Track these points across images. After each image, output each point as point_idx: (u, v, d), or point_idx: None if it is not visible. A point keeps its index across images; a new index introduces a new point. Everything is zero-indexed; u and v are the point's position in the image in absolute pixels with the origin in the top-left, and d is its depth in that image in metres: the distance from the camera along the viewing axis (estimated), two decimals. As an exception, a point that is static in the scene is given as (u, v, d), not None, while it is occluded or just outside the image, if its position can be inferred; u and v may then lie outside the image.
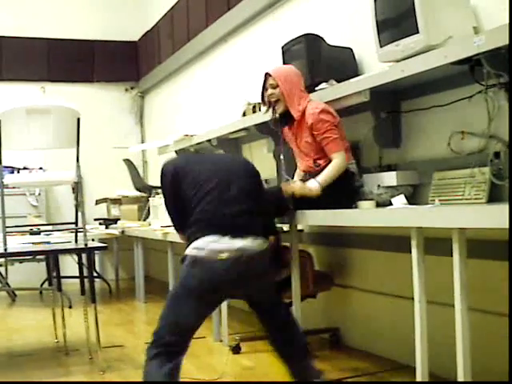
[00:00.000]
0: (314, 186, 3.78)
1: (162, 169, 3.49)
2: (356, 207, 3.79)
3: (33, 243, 4.84)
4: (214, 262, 3.10)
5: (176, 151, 7.14)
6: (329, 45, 4.45)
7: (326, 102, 4.01)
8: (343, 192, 3.83)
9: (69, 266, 6.74)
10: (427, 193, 3.62)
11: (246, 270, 3.16)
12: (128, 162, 8.25)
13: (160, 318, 3.29)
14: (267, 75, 4.03)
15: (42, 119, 4.30)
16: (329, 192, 3.76)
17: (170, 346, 3.16)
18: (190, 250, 3.17)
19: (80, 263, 4.98)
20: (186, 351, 3.22)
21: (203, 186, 3.28)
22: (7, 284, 7.53)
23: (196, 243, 3.15)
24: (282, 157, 4.23)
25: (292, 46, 4.60)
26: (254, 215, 3.28)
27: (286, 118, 4.02)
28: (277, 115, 4.03)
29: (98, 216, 8.48)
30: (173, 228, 3.67)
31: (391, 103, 4.04)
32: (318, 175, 3.83)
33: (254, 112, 5.21)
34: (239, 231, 3.16)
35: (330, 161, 3.84)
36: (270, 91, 4.00)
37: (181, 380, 3.17)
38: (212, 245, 3.11)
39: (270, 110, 4.07)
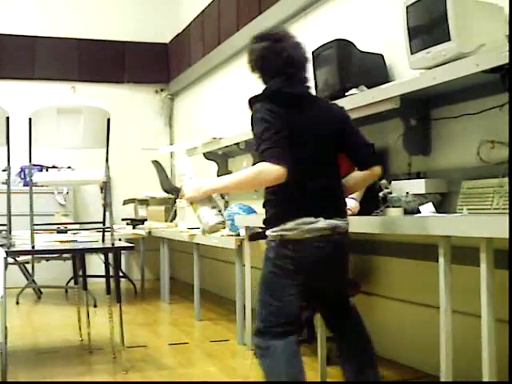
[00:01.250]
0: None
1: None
2: (382, 211, 3.77)
3: (60, 241, 4.87)
4: (306, 242, 2.95)
5: (204, 154, 7.16)
6: (360, 50, 4.44)
7: (356, 108, 4.00)
8: (367, 197, 3.82)
9: (95, 265, 6.80)
10: (455, 201, 3.60)
11: (335, 252, 3.06)
12: (156, 163, 8.29)
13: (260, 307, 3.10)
14: None
15: (73, 119, 4.33)
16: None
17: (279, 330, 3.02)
18: (280, 231, 2.99)
19: (106, 262, 5.00)
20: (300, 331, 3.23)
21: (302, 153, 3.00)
22: (33, 281, 7.58)
23: (288, 224, 2.96)
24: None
25: (323, 51, 4.59)
26: (339, 191, 3.12)
27: None
28: None
29: (126, 216, 8.52)
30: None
31: (421, 110, 4.02)
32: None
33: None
34: (330, 212, 3.00)
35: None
36: None
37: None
38: (305, 226, 2.94)
39: None
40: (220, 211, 3.10)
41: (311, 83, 3.25)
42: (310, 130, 3.03)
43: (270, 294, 3.04)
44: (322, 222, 2.96)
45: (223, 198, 6.98)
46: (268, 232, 3.06)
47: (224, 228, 3.24)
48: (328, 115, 3.13)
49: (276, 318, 3.02)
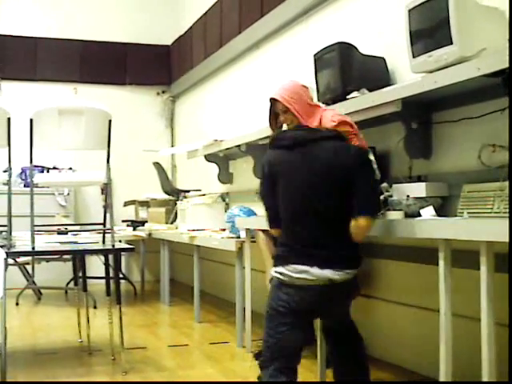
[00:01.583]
0: None
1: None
2: (382, 214, 3.77)
3: (60, 243, 4.87)
4: (301, 288, 3.13)
5: (205, 156, 7.17)
6: (361, 54, 4.44)
7: (357, 111, 4.00)
8: None
9: (95, 266, 6.79)
10: (456, 205, 3.59)
11: (330, 297, 3.19)
12: (157, 165, 8.29)
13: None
14: (273, 100, 3.71)
15: (74, 120, 4.33)
16: None
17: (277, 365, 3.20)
18: (277, 274, 3.22)
19: (106, 264, 5.00)
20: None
21: (291, 200, 3.26)
22: (33, 282, 7.58)
23: (284, 268, 3.16)
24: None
25: (324, 54, 4.59)
26: (338, 243, 3.18)
27: None
28: None
29: (126, 218, 8.53)
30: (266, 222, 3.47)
31: (422, 114, 4.02)
32: None
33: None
34: (325, 262, 3.11)
35: None
36: (282, 118, 3.69)
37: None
38: (299, 274, 3.11)
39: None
40: None
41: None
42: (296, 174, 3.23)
43: (267, 331, 3.25)
44: (311, 273, 3.10)
45: (224, 200, 6.98)
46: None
47: None
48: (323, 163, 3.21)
49: (270, 354, 3.22)
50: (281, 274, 3.17)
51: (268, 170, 3.31)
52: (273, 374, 3.17)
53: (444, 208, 3.77)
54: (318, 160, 3.17)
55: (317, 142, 3.22)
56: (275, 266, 3.24)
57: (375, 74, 4.42)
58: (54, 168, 8.81)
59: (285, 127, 3.73)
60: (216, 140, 6.60)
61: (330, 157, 3.17)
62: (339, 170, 3.15)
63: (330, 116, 3.67)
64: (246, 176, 6.51)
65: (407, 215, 3.69)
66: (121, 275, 7.63)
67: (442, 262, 2.97)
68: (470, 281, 2.99)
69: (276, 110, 3.72)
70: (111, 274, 5.01)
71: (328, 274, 3.08)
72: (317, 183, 3.15)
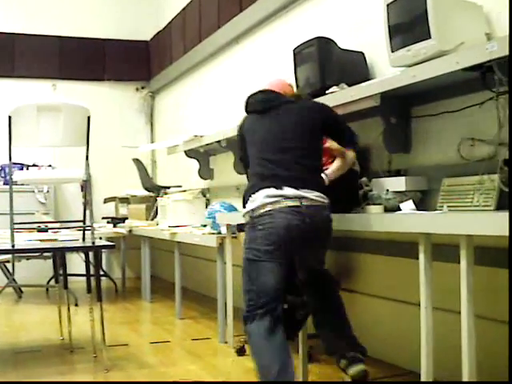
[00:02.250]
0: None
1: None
2: (362, 208, 3.78)
3: (40, 240, 4.85)
4: (272, 213, 3.19)
5: (185, 152, 7.15)
6: (340, 48, 4.45)
7: (336, 106, 4.00)
8: (347, 190, 3.83)
9: (75, 263, 6.76)
10: (436, 199, 3.61)
11: (306, 221, 3.23)
12: (137, 161, 8.26)
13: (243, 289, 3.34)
14: None
15: (53, 117, 4.31)
16: (333, 191, 3.74)
17: (261, 307, 3.23)
18: (247, 214, 3.32)
19: (87, 261, 4.98)
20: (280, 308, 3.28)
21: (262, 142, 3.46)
22: (14, 280, 7.54)
23: (251, 198, 3.29)
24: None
25: (304, 49, 4.59)
26: (311, 172, 3.40)
27: None
28: None
29: (106, 215, 8.49)
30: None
31: (401, 108, 4.03)
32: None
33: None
34: (295, 182, 3.24)
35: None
36: None
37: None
38: (270, 199, 3.20)
39: None
40: None
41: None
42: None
43: (246, 281, 3.29)
44: (281, 194, 3.22)
45: (204, 196, 6.98)
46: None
47: None
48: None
49: (255, 301, 3.24)
50: (252, 210, 3.28)
51: (239, 132, 3.68)
52: (259, 321, 3.21)
53: (424, 202, 3.79)
54: (289, 113, 3.49)
55: (285, 103, 3.54)
56: (244, 207, 3.37)
57: (354, 68, 4.43)
58: (34, 165, 8.76)
59: None
60: (196, 136, 6.58)
61: (301, 109, 3.53)
62: (310, 118, 3.49)
63: None
64: (227, 172, 6.50)
65: (387, 209, 3.70)
66: (101, 272, 7.60)
67: (422, 256, 2.98)
68: (450, 274, 3.00)
69: None
70: (92, 271, 4.99)
71: (300, 192, 3.22)
72: (288, 128, 3.43)
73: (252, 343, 3.26)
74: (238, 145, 3.78)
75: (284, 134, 3.40)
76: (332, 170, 3.67)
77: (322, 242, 3.47)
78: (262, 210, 3.23)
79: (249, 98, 3.68)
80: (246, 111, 3.68)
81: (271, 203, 3.21)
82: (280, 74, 5.19)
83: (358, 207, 3.82)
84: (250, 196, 3.34)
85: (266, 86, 3.76)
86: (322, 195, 3.30)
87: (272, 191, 3.23)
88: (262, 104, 3.56)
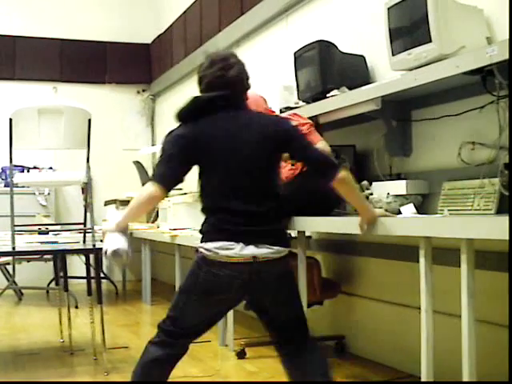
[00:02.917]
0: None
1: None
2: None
3: (41, 243, 4.85)
4: (221, 266, 2.88)
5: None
6: (341, 52, 4.45)
7: (337, 109, 4.01)
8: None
9: (76, 266, 6.77)
10: (436, 202, 3.61)
11: (256, 277, 2.90)
12: (138, 163, 8.26)
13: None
14: None
15: (54, 119, 4.31)
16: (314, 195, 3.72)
17: (167, 335, 3.08)
18: (201, 249, 2.97)
19: (87, 264, 4.98)
20: (182, 349, 3.10)
21: (216, 170, 2.96)
22: (14, 282, 7.53)
23: (207, 245, 2.92)
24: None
25: (304, 53, 4.60)
26: (272, 216, 2.95)
27: None
28: None
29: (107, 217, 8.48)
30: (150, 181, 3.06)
31: (402, 112, 4.04)
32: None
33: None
34: (253, 238, 2.88)
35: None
36: None
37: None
38: (222, 251, 2.87)
39: None
40: (129, 245, 3.05)
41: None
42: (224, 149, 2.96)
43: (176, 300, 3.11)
44: (236, 249, 2.87)
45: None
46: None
47: (126, 261, 3.07)
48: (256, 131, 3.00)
49: (171, 326, 3.10)
50: (207, 250, 2.93)
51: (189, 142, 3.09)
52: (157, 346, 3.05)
53: (424, 206, 3.79)
54: (251, 131, 3.00)
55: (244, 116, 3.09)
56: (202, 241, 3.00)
57: (355, 72, 4.43)
58: (35, 168, 8.77)
59: None
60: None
61: (262, 126, 3.02)
62: (273, 139, 2.98)
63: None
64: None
65: (388, 213, 3.70)
66: (102, 275, 7.59)
67: (422, 260, 2.98)
68: (451, 278, 3.00)
69: None
70: (92, 274, 4.99)
71: (252, 250, 2.86)
72: (252, 154, 2.95)
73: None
74: None
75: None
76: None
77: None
78: None
79: None
80: None
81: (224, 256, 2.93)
82: (280, 78, 5.20)
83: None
84: None
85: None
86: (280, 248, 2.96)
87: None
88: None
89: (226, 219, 2.91)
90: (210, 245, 2.92)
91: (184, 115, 3.17)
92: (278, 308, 3.04)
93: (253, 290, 2.96)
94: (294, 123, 3.40)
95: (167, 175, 3.03)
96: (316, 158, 3.00)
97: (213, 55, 3.17)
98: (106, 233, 3.08)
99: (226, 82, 3.08)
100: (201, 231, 3.03)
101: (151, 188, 3.00)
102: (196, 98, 3.14)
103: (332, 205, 3.78)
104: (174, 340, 3.07)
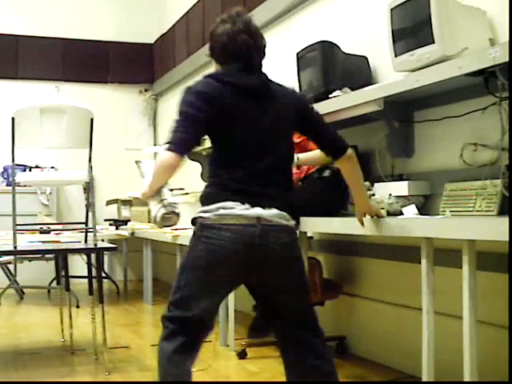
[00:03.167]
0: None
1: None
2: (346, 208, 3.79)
3: (42, 242, 4.85)
4: (221, 229, 2.67)
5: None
6: (344, 52, 4.45)
7: (339, 110, 4.01)
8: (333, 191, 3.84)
9: (77, 265, 6.77)
10: (438, 203, 3.61)
11: (261, 246, 2.67)
12: (140, 163, 8.25)
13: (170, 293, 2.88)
14: None
15: (56, 119, 4.31)
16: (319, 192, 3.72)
17: (173, 322, 2.83)
18: (198, 214, 2.78)
19: (89, 263, 4.98)
20: (195, 333, 2.85)
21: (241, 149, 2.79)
22: (16, 282, 7.55)
23: (205, 208, 2.74)
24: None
25: (307, 53, 4.60)
26: (287, 186, 2.83)
27: None
28: None
29: (109, 217, 8.50)
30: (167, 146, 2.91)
31: (404, 113, 4.04)
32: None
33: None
34: (261, 200, 2.69)
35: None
36: None
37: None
38: (223, 211, 2.67)
39: None
40: (171, 204, 2.93)
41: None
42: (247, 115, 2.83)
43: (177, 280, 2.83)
44: (240, 209, 2.67)
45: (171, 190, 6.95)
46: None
47: (177, 219, 2.95)
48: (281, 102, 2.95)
49: (175, 311, 2.82)
50: (205, 212, 2.75)
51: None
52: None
53: (426, 207, 3.79)
54: (276, 94, 3.00)
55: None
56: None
57: (357, 72, 4.43)
58: (37, 167, 8.78)
59: None
60: (199, 138, 6.57)
61: (283, 92, 3.04)
62: (293, 110, 2.94)
63: None
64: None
65: (389, 214, 3.70)
66: (103, 274, 7.59)
67: (424, 261, 2.98)
68: (452, 279, 3.00)
69: None
70: (94, 274, 4.99)
71: (258, 211, 2.67)
72: (276, 123, 2.85)
73: None
74: None
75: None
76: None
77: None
78: None
79: None
80: None
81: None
82: (283, 78, 5.18)
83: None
84: None
85: None
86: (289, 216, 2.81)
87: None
88: None
89: (238, 178, 2.72)
90: (209, 207, 2.72)
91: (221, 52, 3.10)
92: (283, 293, 2.83)
93: (255, 264, 2.71)
94: None
95: (184, 141, 2.90)
96: (329, 132, 3.01)
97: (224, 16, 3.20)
98: (147, 197, 3.03)
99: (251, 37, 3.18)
100: (200, 199, 2.84)
101: (168, 158, 2.84)
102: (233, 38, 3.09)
103: (337, 208, 3.79)
104: (181, 326, 2.81)
